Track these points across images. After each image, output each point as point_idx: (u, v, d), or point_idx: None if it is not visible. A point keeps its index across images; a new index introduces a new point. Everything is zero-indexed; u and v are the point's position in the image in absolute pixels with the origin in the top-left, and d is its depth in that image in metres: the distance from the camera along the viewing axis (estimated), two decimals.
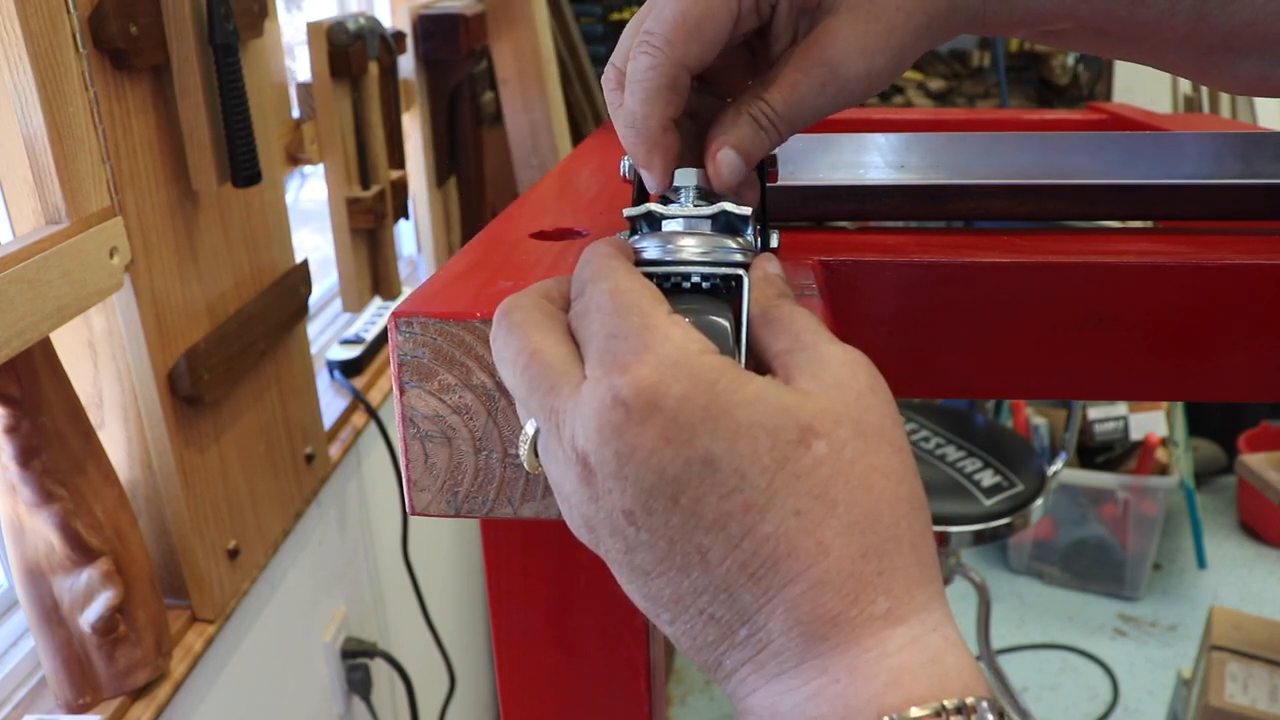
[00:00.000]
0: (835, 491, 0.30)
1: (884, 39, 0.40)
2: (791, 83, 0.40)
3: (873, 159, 0.56)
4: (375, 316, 1.57)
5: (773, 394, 0.31)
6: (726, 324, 0.36)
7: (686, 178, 0.41)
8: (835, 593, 0.29)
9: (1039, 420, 2.61)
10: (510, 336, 0.34)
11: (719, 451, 0.30)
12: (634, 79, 0.40)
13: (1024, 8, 0.42)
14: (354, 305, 1.41)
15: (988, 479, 1.72)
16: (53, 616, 0.85)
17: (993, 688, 0.30)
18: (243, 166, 0.97)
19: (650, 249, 0.38)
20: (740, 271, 0.37)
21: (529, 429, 0.35)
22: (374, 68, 1.35)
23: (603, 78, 0.43)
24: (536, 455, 0.35)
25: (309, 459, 1.23)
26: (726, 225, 0.39)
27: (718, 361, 0.31)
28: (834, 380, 0.32)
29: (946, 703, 0.28)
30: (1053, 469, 1.86)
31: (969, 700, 0.28)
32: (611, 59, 0.42)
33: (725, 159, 0.40)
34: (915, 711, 0.28)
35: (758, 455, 0.30)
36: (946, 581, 1.87)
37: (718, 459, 0.30)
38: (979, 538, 1.64)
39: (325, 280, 1.58)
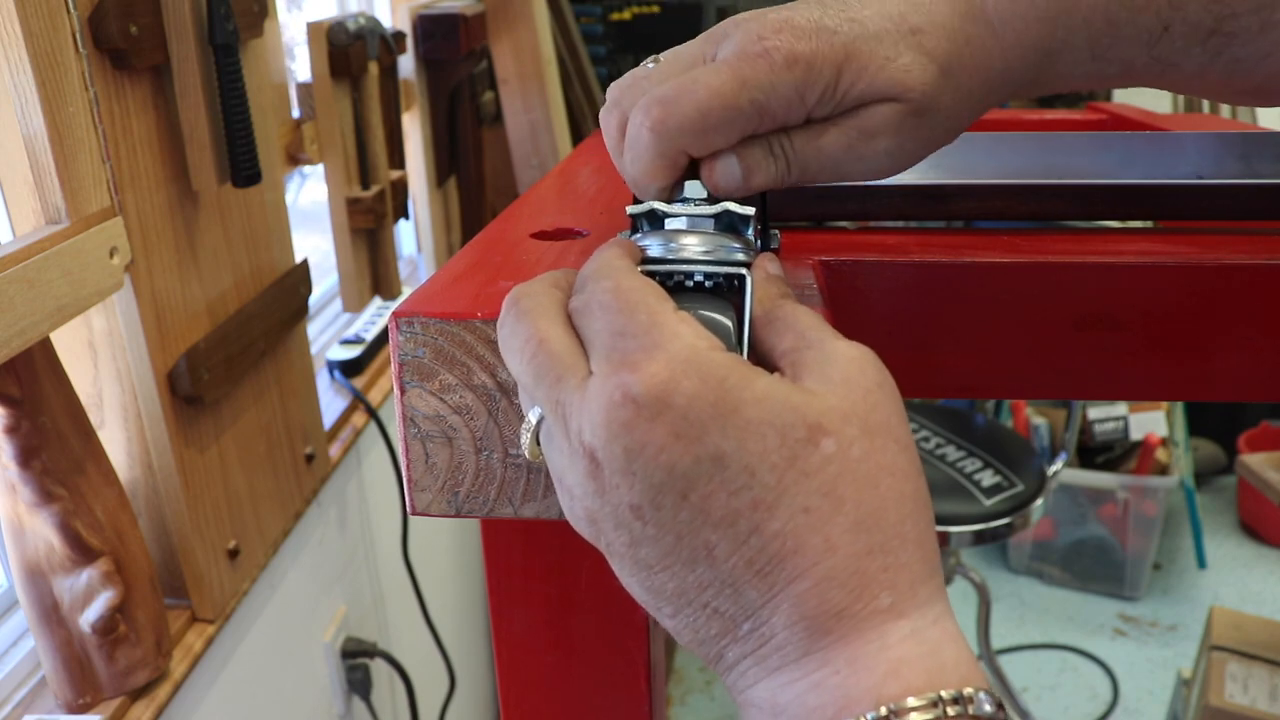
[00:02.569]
0: (843, 489, 0.30)
1: (921, 129, 0.40)
2: (820, 130, 0.40)
3: None
4: (375, 316, 1.57)
5: (781, 392, 0.31)
6: (729, 323, 0.36)
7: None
8: (840, 588, 0.30)
9: (1039, 420, 2.60)
10: (519, 324, 0.34)
11: (729, 449, 0.30)
12: (634, 145, 0.39)
13: (1062, 84, 0.42)
14: (354, 305, 1.41)
15: (988, 479, 1.72)
16: (53, 616, 0.85)
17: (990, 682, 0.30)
18: (243, 166, 0.97)
19: (653, 247, 0.38)
20: (743, 271, 0.37)
21: (532, 416, 0.35)
22: (374, 68, 1.35)
23: (602, 115, 0.41)
24: (538, 443, 0.35)
25: (309, 459, 1.23)
26: (729, 225, 0.39)
27: (726, 359, 0.31)
28: (842, 377, 0.32)
29: (944, 693, 0.29)
30: (1053, 469, 1.86)
31: (966, 691, 0.29)
32: (617, 98, 0.40)
33: (726, 164, 0.39)
34: (912, 701, 0.28)
35: (767, 453, 0.30)
36: (947, 581, 1.87)
37: (727, 456, 0.30)
38: (979, 538, 1.64)
39: (325, 280, 1.58)
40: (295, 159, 1.26)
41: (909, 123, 0.40)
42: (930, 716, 0.28)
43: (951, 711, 0.28)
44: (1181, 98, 2.79)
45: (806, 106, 0.39)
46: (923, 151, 0.42)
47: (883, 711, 0.28)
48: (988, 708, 0.29)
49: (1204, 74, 0.42)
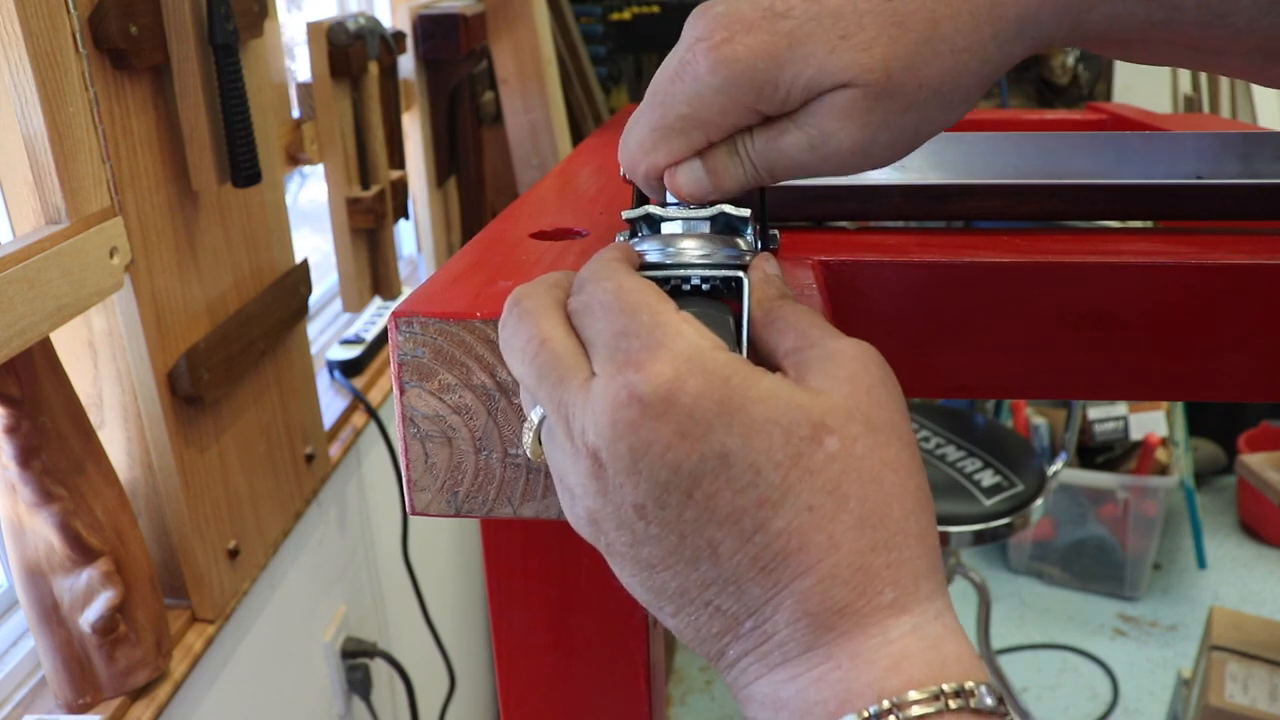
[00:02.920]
0: (847, 486, 0.30)
1: (895, 115, 0.36)
2: (780, 129, 0.38)
3: None
4: (375, 316, 1.57)
5: (785, 390, 0.31)
6: (728, 326, 0.36)
7: None
8: (844, 585, 0.30)
9: (1039, 420, 2.60)
10: (521, 324, 0.34)
11: (734, 447, 0.30)
12: (625, 169, 0.41)
13: (1105, 33, 0.38)
14: (354, 305, 1.41)
15: (988, 479, 1.72)
16: (53, 616, 0.85)
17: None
18: (243, 166, 0.97)
19: (651, 252, 0.38)
20: (740, 273, 0.37)
21: (534, 416, 0.35)
22: (374, 68, 1.35)
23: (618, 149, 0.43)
24: (540, 442, 0.35)
25: (309, 459, 1.23)
26: (725, 226, 0.39)
27: (730, 358, 0.31)
28: (845, 375, 0.32)
29: (945, 686, 0.29)
30: (1053, 469, 1.86)
31: (968, 684, 0.29)
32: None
33: (687, 169, 0.39)
34: (914, 695, 0.29)
35: (772, 451, 0.30)
36: (947, 580, 1.86)
37: (733, 454, 0.30)
38: (979, 538, 1.64)
39: (325, 280, 1.58)
40: (295, 159, 1.26)
41: (875, 109, 0.36)
42: (932, 710, 0.28)
43: (953, 704, 0.28)
44: (1181, 98, 2.79)
45: (749, 105, 0.37)
46: (907, 138, 0.37)
47: (884, 705, 0.28)
48: (989, 701, 0.29)
49: (1253, 29, 0.37)
